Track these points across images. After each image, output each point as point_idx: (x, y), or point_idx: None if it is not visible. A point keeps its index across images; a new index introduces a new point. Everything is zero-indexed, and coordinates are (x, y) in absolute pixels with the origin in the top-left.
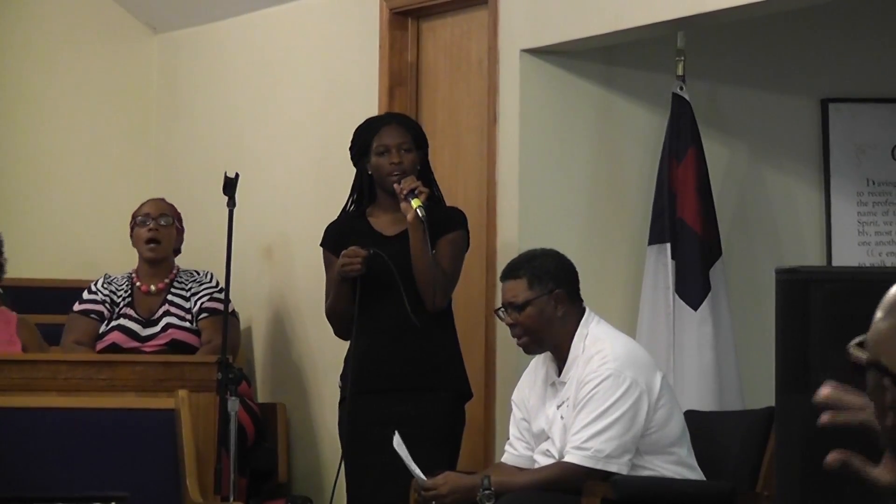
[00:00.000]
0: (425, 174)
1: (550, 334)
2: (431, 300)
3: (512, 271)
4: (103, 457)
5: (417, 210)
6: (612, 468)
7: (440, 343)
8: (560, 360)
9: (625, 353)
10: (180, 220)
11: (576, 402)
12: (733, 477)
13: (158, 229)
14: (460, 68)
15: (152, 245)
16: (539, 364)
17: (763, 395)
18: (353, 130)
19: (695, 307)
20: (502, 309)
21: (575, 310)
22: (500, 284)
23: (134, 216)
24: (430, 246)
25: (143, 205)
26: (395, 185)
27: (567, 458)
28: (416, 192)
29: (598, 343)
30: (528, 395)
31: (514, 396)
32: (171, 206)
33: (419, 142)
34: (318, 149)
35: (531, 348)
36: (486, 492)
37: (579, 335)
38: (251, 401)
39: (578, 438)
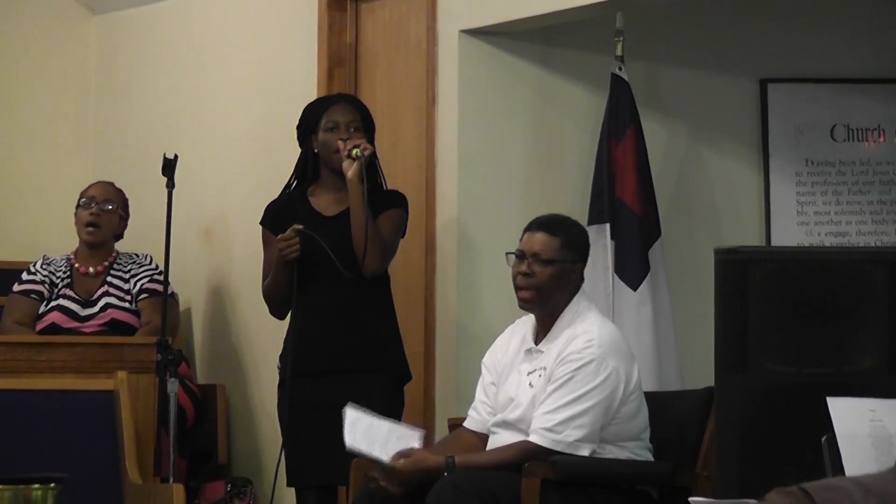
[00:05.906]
0: (372, 158)
1: (554, 299)
2: (368, 261)
3: (549, 226)
4: (42, 438)
5: (353, 150)
6: (581, 454)
7: (379, 325)
8: (544, 328)
9: (610, 340)
10: (126, 206)
11: (551, 376)
12: (673, 457)
13: (100, 214)
14: (399, 49)
15: (91, 229)
16: (517, 329)
17: (702, 374)
18: (302, 110)
19: (634, 287)
20: (517, 252)
21: (578, 287)
22: (441, 264)
23: (80, 196)
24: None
25: (90, 186)
26: (340, 142)
27: (534, 438)
28: (360, 147)
29: (585, 322)
30: (501, 357)
31: (486, 359)
32: (120, 191)
33: (367, 124)
34: (258, 130)
35: (530, 304)
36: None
37: (569, 308)
38: (191, 382)
39: (550, 420)
